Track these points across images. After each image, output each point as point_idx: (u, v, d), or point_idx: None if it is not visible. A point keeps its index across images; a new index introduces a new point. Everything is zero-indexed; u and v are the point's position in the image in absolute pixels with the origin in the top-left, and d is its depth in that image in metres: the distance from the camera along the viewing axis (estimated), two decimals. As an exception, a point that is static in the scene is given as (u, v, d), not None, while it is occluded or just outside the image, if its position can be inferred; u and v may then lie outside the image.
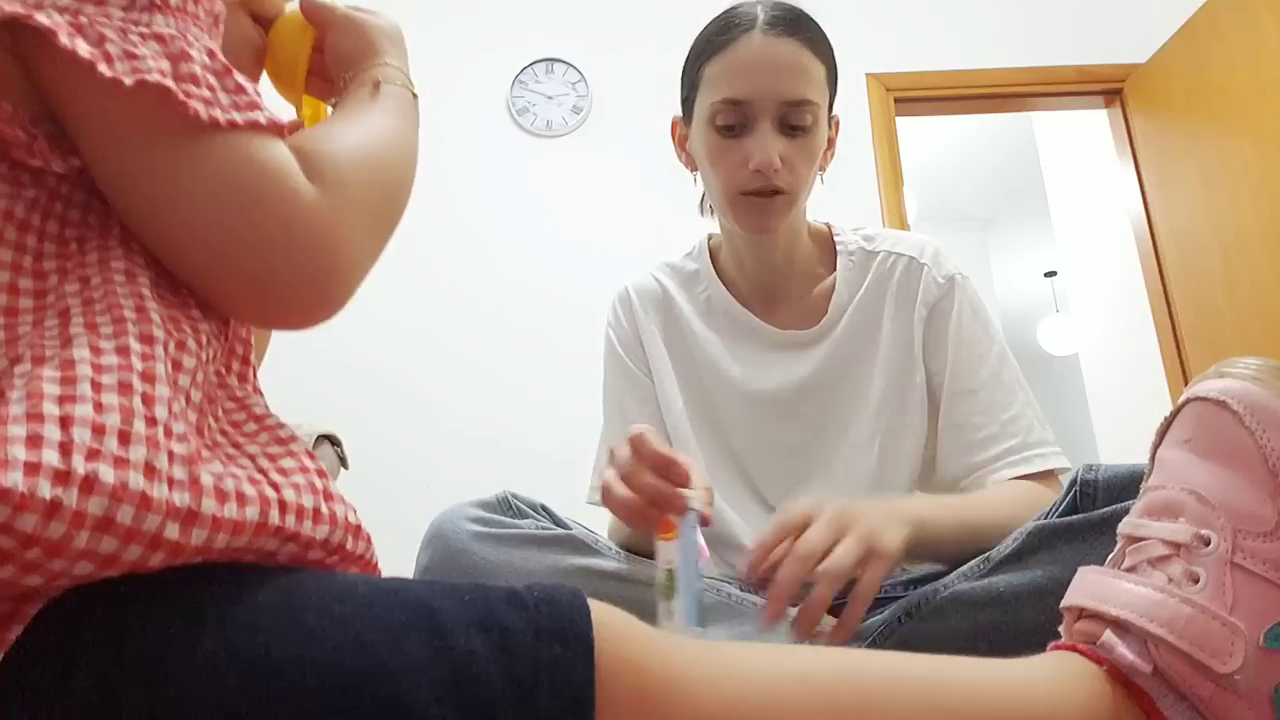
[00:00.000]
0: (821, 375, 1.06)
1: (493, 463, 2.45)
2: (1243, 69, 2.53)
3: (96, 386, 0.40)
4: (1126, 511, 0.56)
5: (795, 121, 0.96)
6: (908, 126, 3.04)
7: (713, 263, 1.13)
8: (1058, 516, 0.76)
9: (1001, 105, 3.14)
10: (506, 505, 0.92)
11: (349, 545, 0.48)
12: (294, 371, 2.42)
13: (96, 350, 0.41)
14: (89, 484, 0.37)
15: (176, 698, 0.36)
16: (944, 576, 0.82)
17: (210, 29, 0.50)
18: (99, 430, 0.38)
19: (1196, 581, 0.48)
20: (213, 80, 0.48)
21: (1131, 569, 0.52)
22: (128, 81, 0.44)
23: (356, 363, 2.61)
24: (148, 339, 0.43)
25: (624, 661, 0.42)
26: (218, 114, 0.47)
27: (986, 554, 0.79)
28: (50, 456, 0.36)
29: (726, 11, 1.00)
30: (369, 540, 0.50)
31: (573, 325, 2.60)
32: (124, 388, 0.41)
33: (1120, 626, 0.49)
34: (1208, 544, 0.49)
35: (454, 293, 2.72)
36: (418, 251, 2.74)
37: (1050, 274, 5.74)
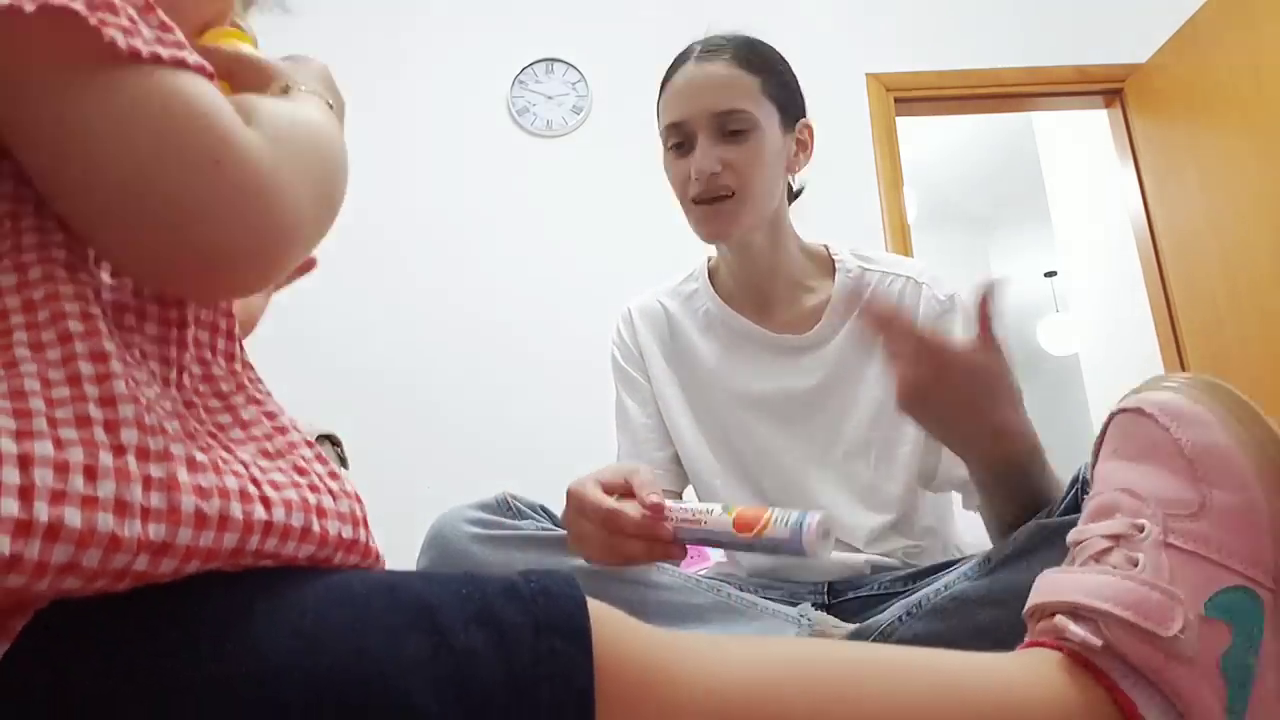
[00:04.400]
0: (816, 383, 1.10)
1: (493, 462, 2.45)
2: (1242, 69, 2.53)
3: (53, 422, 0.37)
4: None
5: (730, 128, 1.05)
6: (908, 126, 3.04)
7: (711, 281, 1.19)
8: (1059, 515, 0.76)
9: (1001, 105, 3.14)
10: (506, 506, 0.94)
11: (337, 560, 0.46)
12: (294, 371, 2.42)
13: (46, 382, 0.39)
14: (53, 532, 0.35)
15: (174, 714, 0.35)
16: (944, 575, 0.82)
17: None
18: (62, 469, 0.36)
19: (1136, 565, 0.53)
20: (133, 13, 0.42)
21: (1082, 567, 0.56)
22: (28, 8, 0.38)
23: (357, 362, 2.61)
24: (99, 356, 0.40)
25: (621, 654, 0.42)
26: (139, 44, 0.41)
27: (987, 554, 0.80)
28: (9, 506, 0.34)
29: (679, 53, 1.11)
30: (364, 553, 0.48)
31: (572, 325, 2.60)
32: (81, 421, 0.38)
33: (1072, 612, 0.52)
34: (1142, 531, 0.54)
35: (453, 292, 2.72)
36: (418, 251, 2.74)
37: (1050, 274, 5.73)
